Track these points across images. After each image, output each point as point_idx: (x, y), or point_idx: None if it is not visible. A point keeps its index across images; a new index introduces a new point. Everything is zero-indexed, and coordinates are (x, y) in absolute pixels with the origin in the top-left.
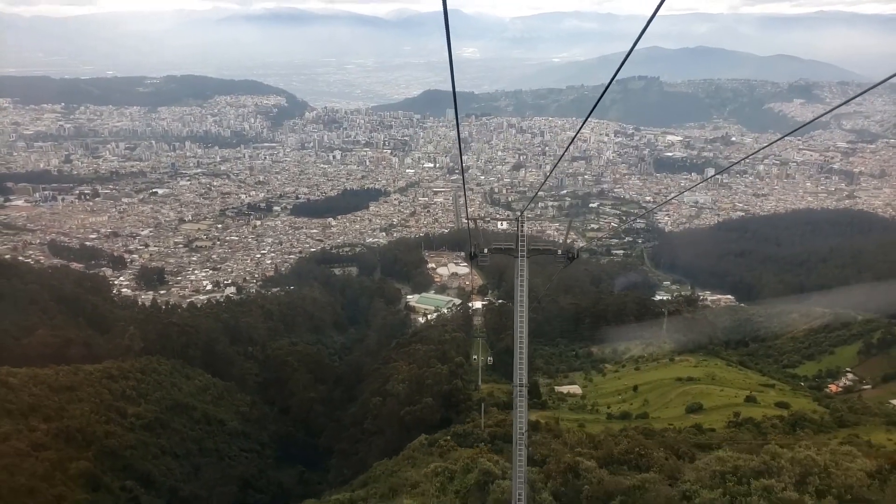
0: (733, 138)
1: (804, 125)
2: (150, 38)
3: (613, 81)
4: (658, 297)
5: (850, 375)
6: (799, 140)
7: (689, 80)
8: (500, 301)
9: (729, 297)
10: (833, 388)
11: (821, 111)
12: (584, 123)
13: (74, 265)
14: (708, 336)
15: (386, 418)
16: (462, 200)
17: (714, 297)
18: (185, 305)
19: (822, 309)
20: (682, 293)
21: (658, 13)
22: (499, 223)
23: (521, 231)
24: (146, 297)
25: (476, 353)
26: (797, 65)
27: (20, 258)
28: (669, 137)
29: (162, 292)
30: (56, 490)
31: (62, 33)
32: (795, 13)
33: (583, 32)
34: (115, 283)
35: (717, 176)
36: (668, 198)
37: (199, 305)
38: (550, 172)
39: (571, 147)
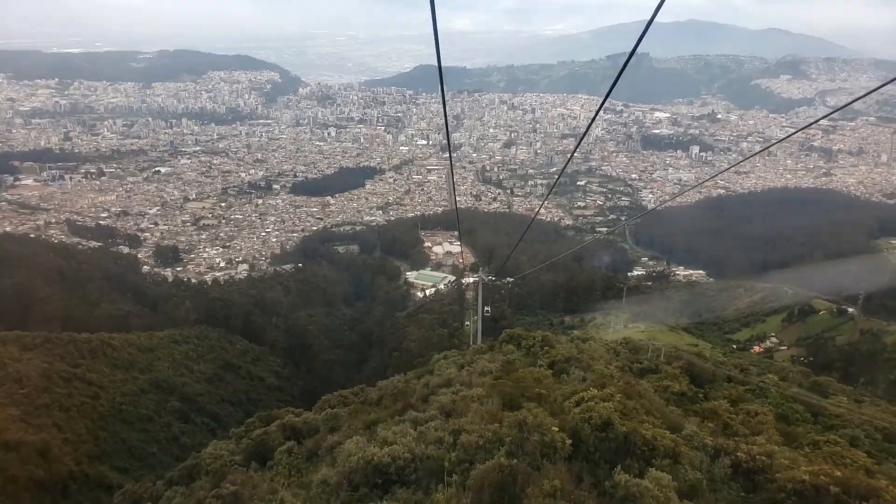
0: (719, 115)
1: (790, 136)
2: (136, 7)
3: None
4: (635, 273)
5: (772, 339)
6: (783, 117)
7: (679, 56)
8: (490, 277)
9: (700, 272)
10: (757, 348)
11: (806, 87)
12: (601, 106)
13: (93, 244)
14: (662, 307)
15: (402, 367)
16: (453, 181)
17: (687, 273)
18: (209, 282)
19: (763, 284)
20: (658, 269)
21: None
22: (489, 203)
23: (480, 279)
24: (166, 274)
25: (468, 321)
26: (787, 39)
27: (43, 237)
28: (657, 114)
29: (178, 269)
30: (163, 420)
31: (47, 2)
32: None
33: (575, 4)
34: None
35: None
36: (671, 196)
37: (221, 282)
38: (562, 169)
39: (561, 124)
